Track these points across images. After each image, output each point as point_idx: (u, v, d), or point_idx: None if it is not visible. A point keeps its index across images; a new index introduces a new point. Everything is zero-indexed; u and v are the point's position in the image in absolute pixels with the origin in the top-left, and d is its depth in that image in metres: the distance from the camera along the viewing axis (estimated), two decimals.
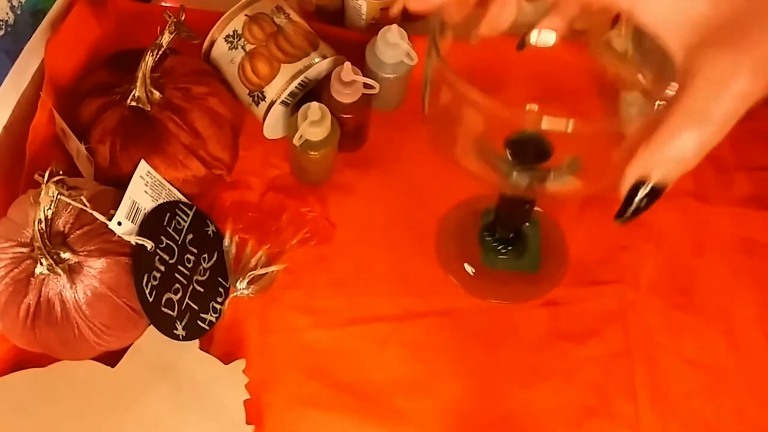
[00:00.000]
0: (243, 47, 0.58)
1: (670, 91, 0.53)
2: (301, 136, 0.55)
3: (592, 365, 0.54)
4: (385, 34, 0.57)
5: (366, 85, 0.56)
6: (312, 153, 0.55)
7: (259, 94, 0.58)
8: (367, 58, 0.59)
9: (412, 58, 0.58)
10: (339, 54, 0.59)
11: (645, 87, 0.55)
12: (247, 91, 0.59)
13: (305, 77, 0.57)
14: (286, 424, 0.53)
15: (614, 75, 0.61)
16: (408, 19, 0.59)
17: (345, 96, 0.55)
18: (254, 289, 0.56)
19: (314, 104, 0.54)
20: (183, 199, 0.55)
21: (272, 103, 0.57)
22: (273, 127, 0.60)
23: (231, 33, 0.58)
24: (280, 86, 0.57)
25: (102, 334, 0.49)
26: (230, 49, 0.58)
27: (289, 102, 0.58)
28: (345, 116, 0.57)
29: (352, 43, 0.61)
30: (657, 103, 0.57)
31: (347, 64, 0.55)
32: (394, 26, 0.57)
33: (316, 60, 0.57)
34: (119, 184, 0.52)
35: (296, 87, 0.57)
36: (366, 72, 0.58)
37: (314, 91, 0.58)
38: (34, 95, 0.59)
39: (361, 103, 0.56)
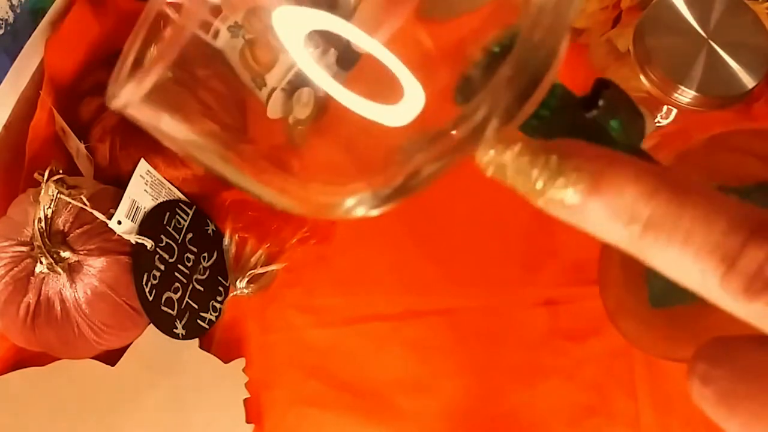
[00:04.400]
0: (243, 36, 0.58)
1: (679, 96, 0.53)
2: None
3: (592, 364, 0.54)
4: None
5: None
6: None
7: (260, 81, 0.58)
8: None
9: None
10: (328, 43, 0.59)
11: (648, 89, 0.55)
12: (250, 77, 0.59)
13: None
14: (285, 422, 0.53)
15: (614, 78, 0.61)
16: None
17: None
18: (254, 287, 0.56)
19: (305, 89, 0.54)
20: (183, 197, 0.55)
21: (273, 90, 0.57)
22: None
23: (232, 24, 0.58)
24: (279, 75, 0.56)
25: (102, 333, 0.49)
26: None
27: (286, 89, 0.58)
28: None
29: None
30: (656, 119, 0.57)
31: (332, 50, 0.55)
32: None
33: None
34: (119, 182, 0.52)
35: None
36: None
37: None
38: (33, 94, 0.59)
39: None
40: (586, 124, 0.21)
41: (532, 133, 0.22)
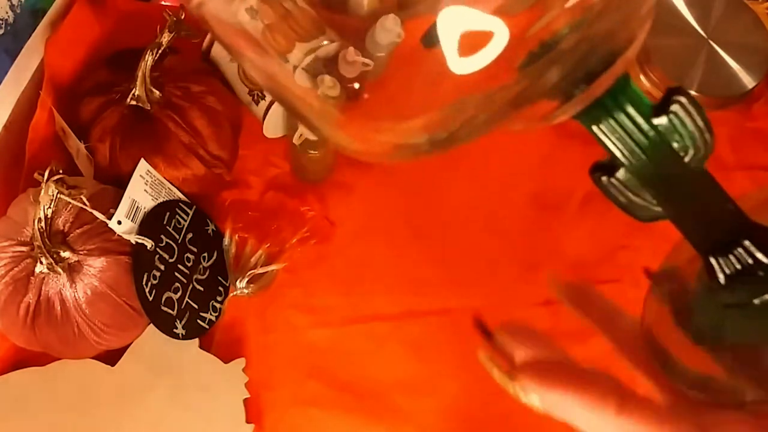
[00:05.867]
0: (262, 21, 0.58)
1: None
2: (301, 134, 0.54)
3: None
4: (384, 22, 0.57)
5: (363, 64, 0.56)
6: (312, 152, 0.55)
7: (259, 93, 0.58)
8: (366, 42, 0.59)
9: (400, 36, 0.58)
10: (342, 39, 0.59)
11: (648, 89, 0.55)
12: (247, 90, 0.58)
13: None
14: (285, 422, 0.53)
15: None
16: (402, 8, 0.59)
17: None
18: (254, 288, 0.56)
19: None
20: (183, 198, 0.55)
21: (273, 102, 0.57)
22: (273, 126, 0.60)
23: (249, 7, 0.58)
24: (299, 57, 0.56)
25: (102, 333, 0.49)
26: None
27: None
28: None
29: (353, 29, 0.61)
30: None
31: (351, 48, 0.55)
32: (391, 15, 0.57)
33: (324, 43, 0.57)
34: (119, 182, 0.52)
35: None
36: (364, 54, 0.58)
37: None
38: (34, 94, 0.59)
39: None
40: (653, 138, 0.22)
41: (594, 123, 0.23)
